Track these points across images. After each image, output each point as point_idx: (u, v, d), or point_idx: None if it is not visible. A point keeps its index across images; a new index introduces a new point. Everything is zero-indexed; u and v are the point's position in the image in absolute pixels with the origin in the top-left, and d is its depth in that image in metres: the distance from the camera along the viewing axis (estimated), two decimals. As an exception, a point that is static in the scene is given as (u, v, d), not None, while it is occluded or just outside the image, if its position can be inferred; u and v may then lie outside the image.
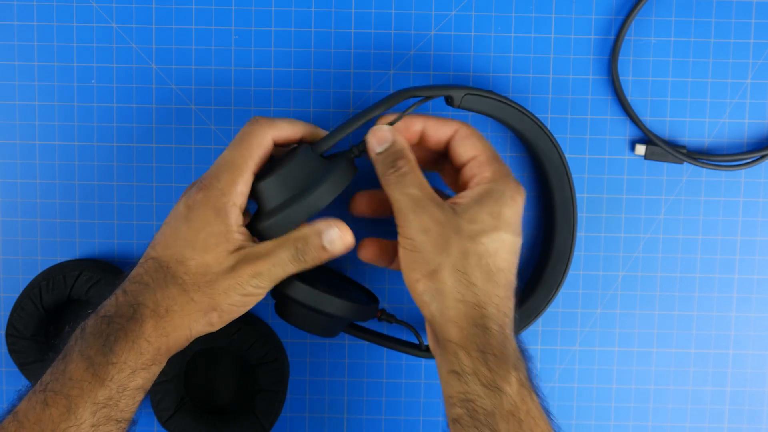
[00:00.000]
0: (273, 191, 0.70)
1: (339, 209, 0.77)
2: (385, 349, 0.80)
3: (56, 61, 0.78)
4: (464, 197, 0.68)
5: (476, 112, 0.74)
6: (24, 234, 0.79)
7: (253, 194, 0.70)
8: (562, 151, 0.75)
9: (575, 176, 0.78)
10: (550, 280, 0.76)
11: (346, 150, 0.72)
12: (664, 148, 0.77)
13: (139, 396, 0.66)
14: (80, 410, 0.63)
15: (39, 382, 0.65)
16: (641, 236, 0.79)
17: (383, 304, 0.80)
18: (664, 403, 0.80)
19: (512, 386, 0.63)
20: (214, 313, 0.67)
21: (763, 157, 0.77)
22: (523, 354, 0.66)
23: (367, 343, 0.80)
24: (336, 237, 0.68)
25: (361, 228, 0.78)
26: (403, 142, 0.70)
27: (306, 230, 0.68)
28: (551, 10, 0.77)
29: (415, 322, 0.80)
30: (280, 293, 0.71)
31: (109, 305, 0.66)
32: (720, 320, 0.79)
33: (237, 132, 0.71)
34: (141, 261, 0.68)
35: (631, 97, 0.78)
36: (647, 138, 0.78)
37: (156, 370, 0.67)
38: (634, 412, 0.80)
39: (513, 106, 0.74)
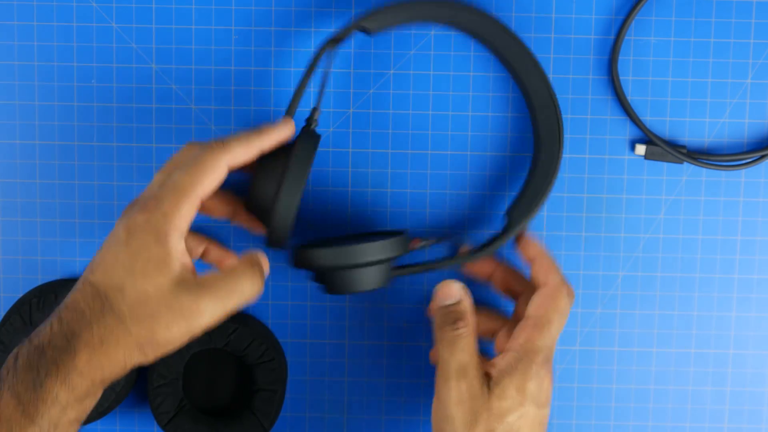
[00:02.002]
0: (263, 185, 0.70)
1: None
2: (385, 348, 0.80)
3: (56, 61, 0.78)
4: (498, 364, 0.69)
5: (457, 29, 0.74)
6: (24, 234, 0.79)
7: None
8: (540, 66, 0.75)
9: (576, 176, 0.78)
10: (535, 184, 0.76)
11: (303, 125, 0.72)
12: (664, 148, 0.77)
13: (74, 428, 0.64)
14: None
15: None
16: (641, 236, 0.79)
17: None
18: (664, 403, 0.80)
19: None
20: (150, 346, 0.64)
21: (763, 157, 0.77)
22: None
23: (367, 343, 0.80)
24: (264, 262, 0.70)
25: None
26: (469, 305, 0.71)
27: (250, 255, 0.69)
28: (551, 10, 0.77)
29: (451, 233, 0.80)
30: (315, 274, 0.72)
31: (43, 334, 0.63)
32: (720, 320, 0.79)
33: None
34: (78, 284, 0.65)
35: (631, 97, 0.78)
36: (647, 138, 0.78)
37: (90, 402, 0.64)
38: (634, 412, 0.80)
39: (495, 23, 0.74)
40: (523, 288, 0.76)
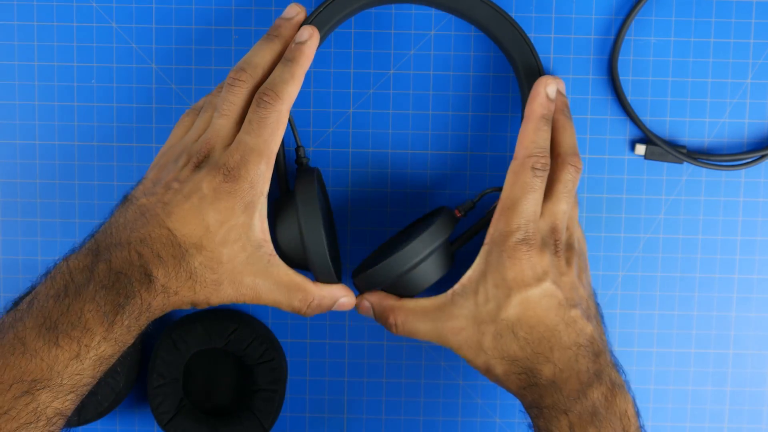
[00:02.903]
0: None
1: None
2: (385, 348, 0.80)
3: (56, 61, 0.78)
4: (469, 276, 0.70)
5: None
6: (24, 234, 0.79)
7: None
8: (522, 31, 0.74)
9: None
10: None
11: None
12: (664, 148, 0.77)
13: (124, 350, 0.67)
14: (87, 361, 0.63)
15: (40, 310, 0.63)
16: (641, 236, 0.79)
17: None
18: (664, 403, 0.80)
19: (561, 428, 0.66)
20: (200, 305, 0.68)
21: (763, 157, 0.77)
22: (597, 382, 0.67)
23: (367, 343, 0.80)
24: (346, 303, 0.72)
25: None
26: (378, 298, 0.73)
27: (324, 293, 0.71)
28: (551, 10, 0.77)
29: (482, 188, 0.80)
30: (382, 290, 0.73)
31: (121, 259, 0.65)
32: (720, 320, 0.79)
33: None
34: (151, 219, 0.67)
35: (631, 97, 0.78)
36: (647, 138, 0.78)
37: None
38: (634, 412, 0.80)
39: None
40: None
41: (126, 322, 0.64)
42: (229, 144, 0.68)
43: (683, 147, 0.77)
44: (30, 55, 0.78)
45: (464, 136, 0.78)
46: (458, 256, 0.78)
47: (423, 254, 0.70)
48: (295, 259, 0.72)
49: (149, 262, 0.65)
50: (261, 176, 0.67)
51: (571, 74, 0.78)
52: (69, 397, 0.63)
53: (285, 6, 0.77)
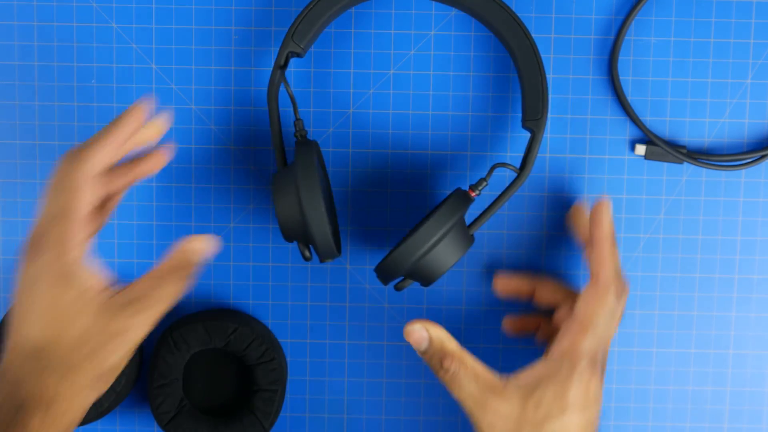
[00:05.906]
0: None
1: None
2: (385, 348, 0.80)
3: (56, 61, 0.78)
4: (529, 375, 0.69)
5: None
6: (24, 234, 0.79)
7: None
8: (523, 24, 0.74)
9: (576, 176, 0.78)
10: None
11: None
12: (664, 148, 0.77)
13: None
14: None
15: None
16: (641, 236, 0.79)
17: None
18: (664, 403, 0.80)
19: None
20: (100, 380, 0.62)
21: (763, 157, 0.77)
22: None
23: (367, 343, 0.80)
24: (197, 246, 0.65)
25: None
26: (441, 336, 0.69)
27: (175, 254, 0.65)
28: (551, 10, 0.77)
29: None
30: (404, 278, 0.72)
31: None
32: (720, 320, 0.79)
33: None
34: (9, 345, 0.62)
35: (631, 97, 0.78)
36: (647, 138, 0.78)
37: None
38: (634, 412, 0.80)
39: None
40: (564, 296, 0.75)
41: None
42: None
43: (683, 147, 0.77)
44: (30, 55, 0.78)
45: (464, 136, 0.78)
46: (479, 238, 0.78)
47: (438, 234, 0.70)
48: (295, 231, 0.71)
49: (13, 395, 0.60)
50: (67, 242, 0.61)
51: (571, 74, 0.78)
52: None
53: (285, 6, 0.78)
